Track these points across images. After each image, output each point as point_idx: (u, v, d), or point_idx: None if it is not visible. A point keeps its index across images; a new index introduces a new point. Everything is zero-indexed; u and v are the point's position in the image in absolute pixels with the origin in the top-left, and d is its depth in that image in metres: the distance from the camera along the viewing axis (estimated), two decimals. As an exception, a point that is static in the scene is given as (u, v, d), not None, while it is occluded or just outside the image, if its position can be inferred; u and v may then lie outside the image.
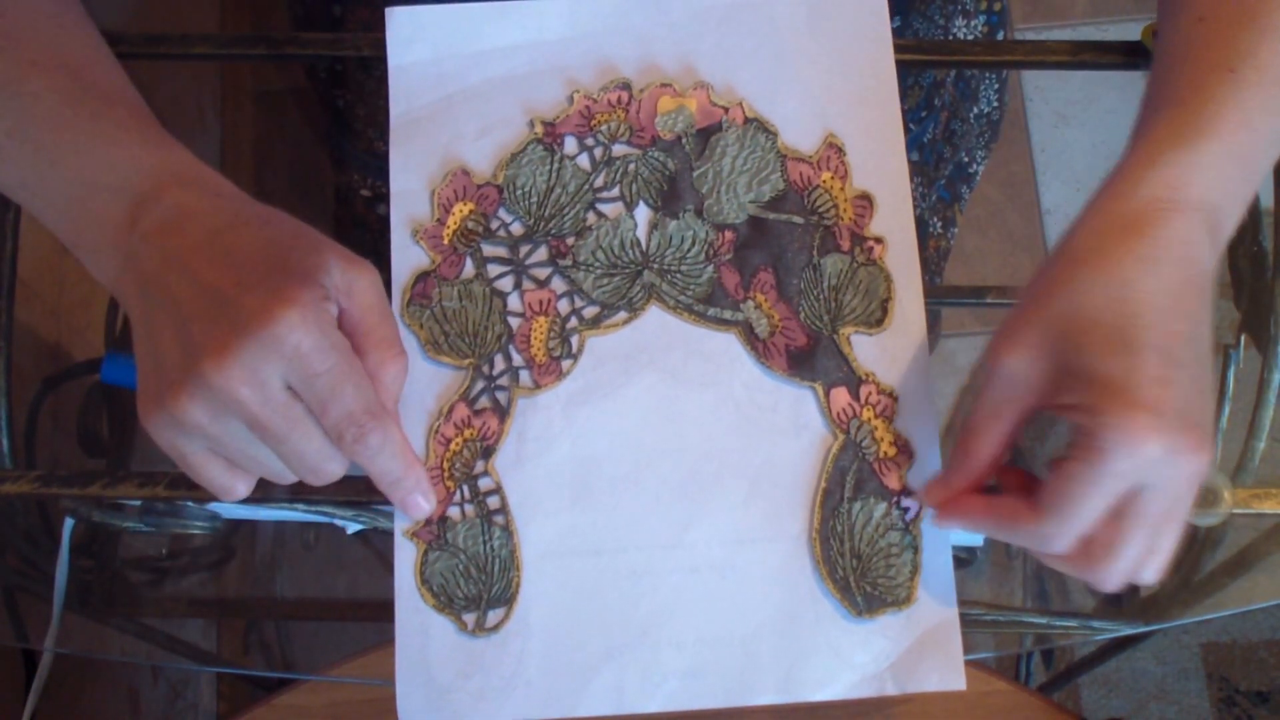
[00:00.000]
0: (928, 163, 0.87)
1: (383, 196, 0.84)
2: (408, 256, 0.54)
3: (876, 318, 0.54)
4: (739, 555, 0.51)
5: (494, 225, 0.55)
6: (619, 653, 0.50)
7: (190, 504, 0.59)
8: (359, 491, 0.52)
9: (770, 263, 0.54)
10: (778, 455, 0.52)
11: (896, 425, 0.52)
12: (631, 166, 0.55)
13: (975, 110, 0.90)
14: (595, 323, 0.53)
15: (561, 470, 0.52)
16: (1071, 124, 1.66)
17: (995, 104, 0.91)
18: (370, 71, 0.78)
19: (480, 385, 0.53)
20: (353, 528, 0.57)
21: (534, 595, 0.51)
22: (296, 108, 1.55)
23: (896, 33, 0.57)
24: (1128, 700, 1.43)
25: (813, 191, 0.55)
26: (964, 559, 0.56)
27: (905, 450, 0.52)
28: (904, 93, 0.57)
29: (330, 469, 0.47)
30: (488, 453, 0.52)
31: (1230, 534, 0.66)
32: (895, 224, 0.55)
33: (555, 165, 0.55)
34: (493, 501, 0.51)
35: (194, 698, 1.32)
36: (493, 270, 0.54)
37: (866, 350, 0.53)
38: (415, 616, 0.50)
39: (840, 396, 0.52)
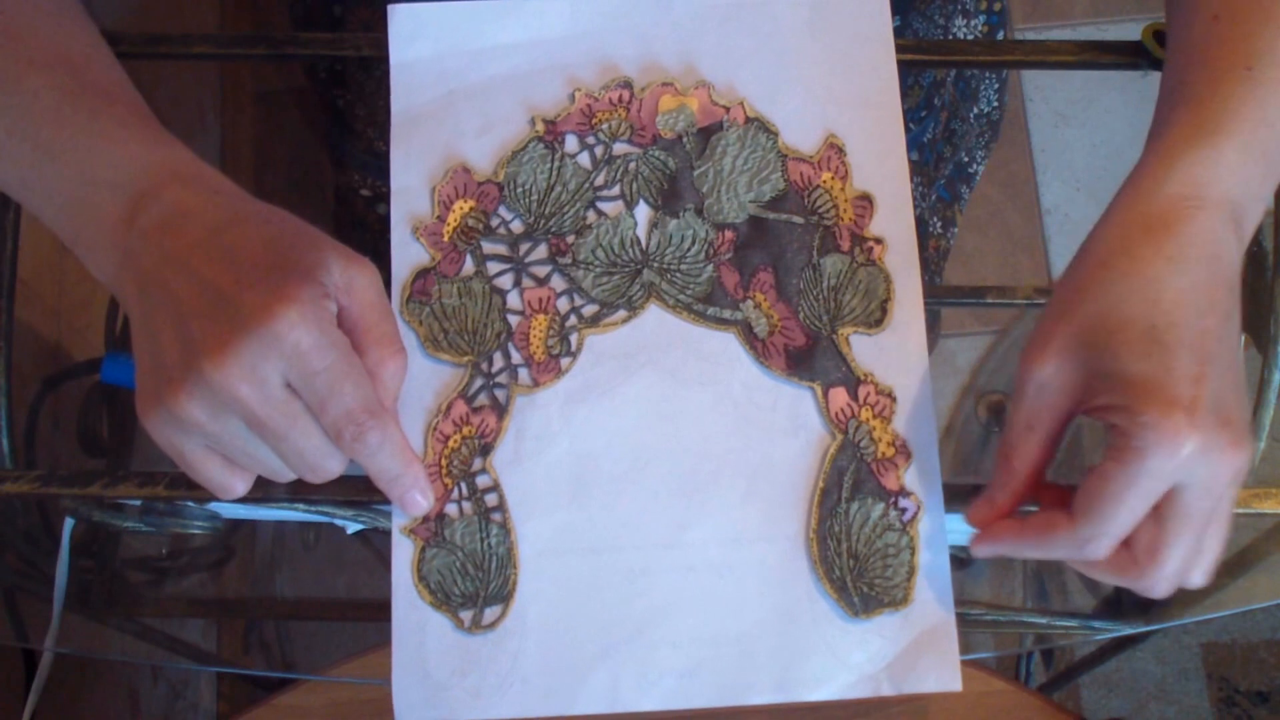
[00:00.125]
0: (928, 163, 0.87)
1: (383, 196, 0.84)
2: (407, 253, 0.54)
3: (876, 318, 0.54)
4: (736, 554, 0.51)
5: (494, 223, 0.55)
6: (615, 651, 0.50)
7: (190, 504, 0.59)
8: (359, 491, 0.52)
9: (770, 262, 0.54)
10: (776, 455, 0.52)
11: (895, 426, 0.52)
12: (632, 165, 0.55)
13: (975, 110, 0.90)
14: (594, 321, 0.53)
15: (559, 468, 0.52)
16: (1071, 124, 1.66)
17: (995, 104, 0.91)
18: (370, 71, 0.78)
19: (479, 383, 0.53)
20: (353, 527, 0.57)
21: (531, 593, 0.51)
22: (296, 108, 1.55)
23: (896, 32, 0.57)
24: (1128, 700, 1.43)
25: (813, 191, 0.55)
26: (964, 559, 0.56)
27: (903, 451, 0.52)
28: (904, 92, 0.57)
29: (329, 467, 0.47)
30: (486, 450, 0.52)
31: (1230, 534, 0.66)
32: (895, 224, 0.55)
33: (556, 163, 0.55)
34: (490, 499, 0.51)
35: (194, 698, 1.32)
36: (492, 268, 0.54)
37: (865, 350, 0.53)
38: (412, 613, 0.50)
39: (839, 396, 0.52)
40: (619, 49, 0.57)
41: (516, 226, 0.55)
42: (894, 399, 0.52)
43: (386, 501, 0.51)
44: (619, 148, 0.56)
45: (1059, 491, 0.48)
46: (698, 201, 0.55)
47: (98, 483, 0.53)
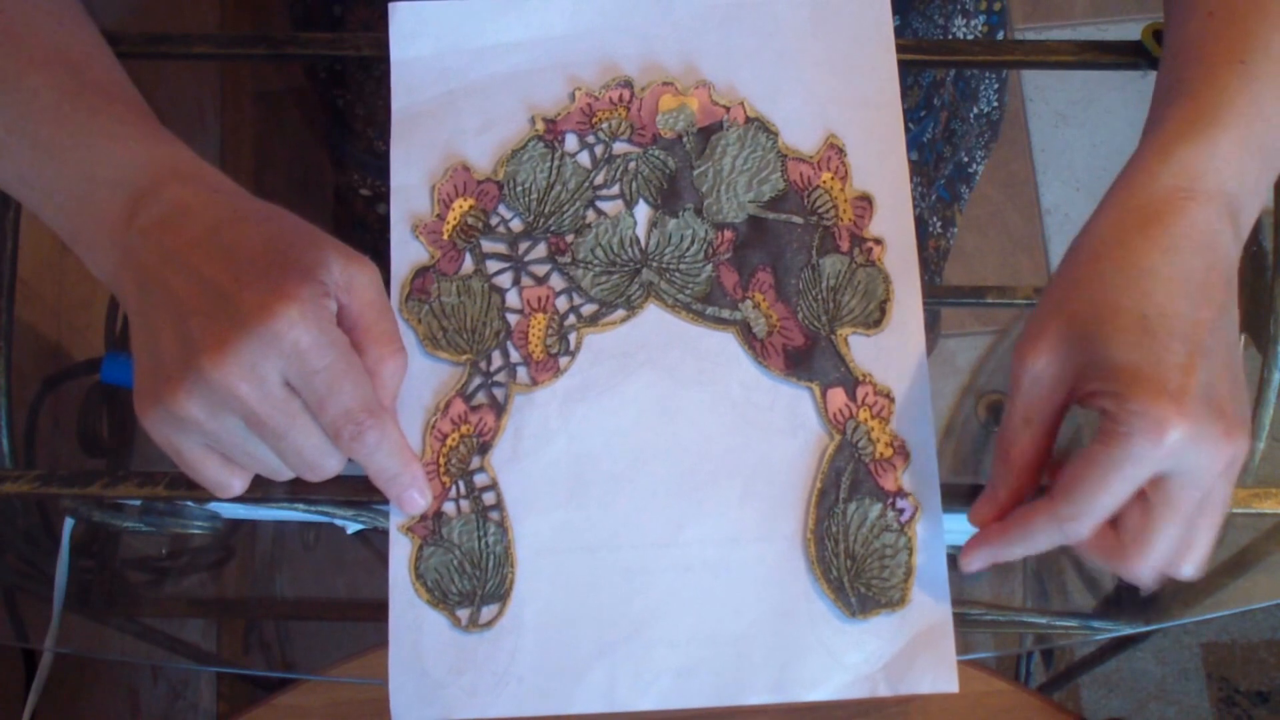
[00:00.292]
0: (927, 162, 0.87)
1: (382, 196, 0.84)
2: (407, 251, 0.54)
3: (874, 319, 0.54)
4: (733, 554, 0.51)
5: (494, 221, 0.55)
6: (612, 650, 0.50)
7: (190, 504, 0.59)
8: (358, 491, 0.52)
9: (769, 262, 0.54)
10: (773, 455, 0.52)
11: (893, 426, 0.52)
12: (632, 164, 0.55)
13: (975, 110, 0.90)
14: (593, 320, 0.53)
15: (557, 467, 0.52)
16: (1071, 124, 1.66)
17: (995, 104, 0.91)
18: (370, 71, 0.78)
19: (477, 381, 0.53)
20: (353, 527, 0.57)
21: (528, 592, 0.51)
22: (296, 108, 1.55)
23: (896, 32, 0.57)
24: (1128, 700, 1.43)
25: (813, 192, 0.55)
26: (963, 559, 0.56)
27: (901, 452, 0.52)
28: (904, 92, 0.57)
29: (328, 465, 0.47)
30: (484, 449, 0.52)
31: (1230, 534, 0.66)
32: (894, 225, 0.55)
33: (556, 162, 0.55)
34: (488, 498, 0.51)
35: (194, 698, 1.32)
36: (492, 266, 0.54)
37: (864, 351, 0.53)
38: (409, 611, 0.50)
39: (837, 397, 0.52)
40: (620, 48, 0.57)
41: (516, 225, 0.55)
42: (892, 400, 0.52)
43: (386, 501, 0.51)
44: (619, 147, 0.56)
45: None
46: (697, 201, 0.55)
47: (98, 483, 0.53)
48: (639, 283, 0.54)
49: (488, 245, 0.54)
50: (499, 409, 0.52)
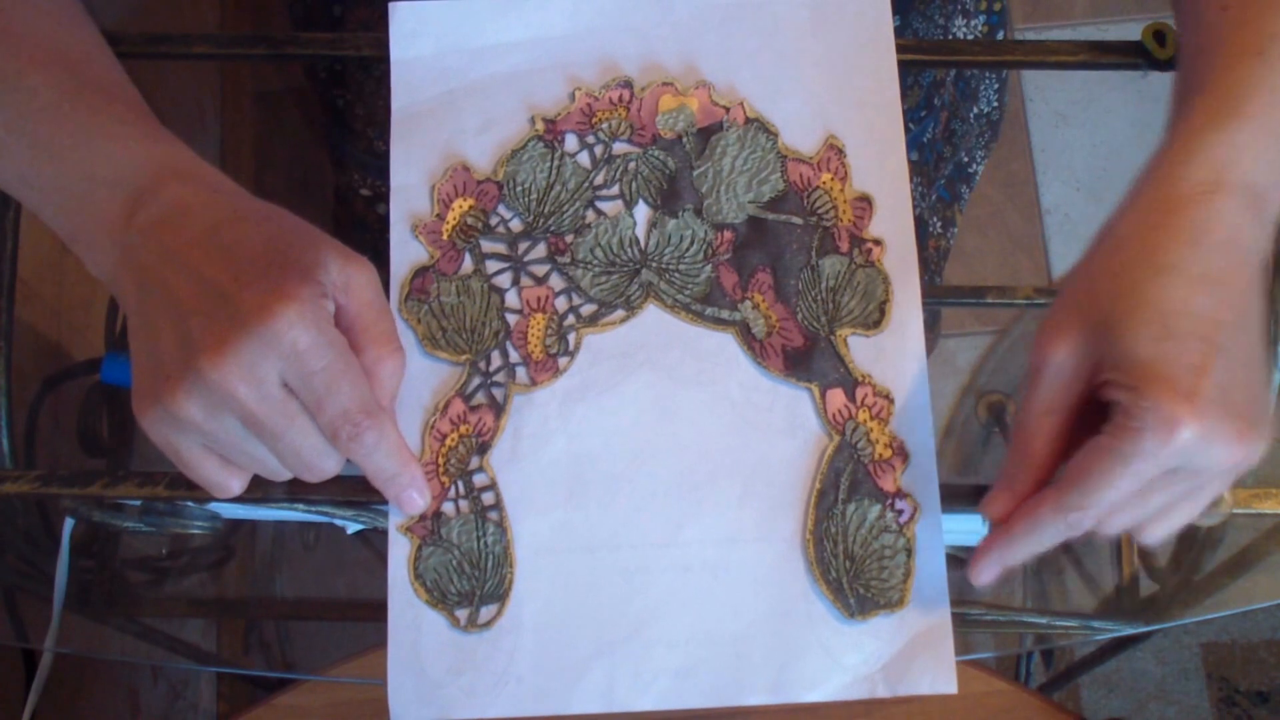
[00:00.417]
0: (927, 162, 0.87)
1: (382, 196, 0.84)
2: (407, 251, 0.54)
3: (874, 319, 0.54)
4: (732, 555, 0.51)
5: (493, 221, 0.55)
6: (610, 650, 0.50)
7: (190, 504, 0.59)
8: (358, 491, 0.52)
9: (769, 263, 0.54)
10: (773, 455, 0.52)
11: (892, 427, 0.52)
12: (632, 165, 0.55)
13: (975, 110, 0.90)
14: (593, 320, 0.53)
15: (556, 467, 0.52)
16: (1071, 124, 1.66)
17: (995, 104, 0.91)
18: (370, 71, 0.78)
19: (477, 381, 0.53)
20: (353, 528, 0.57)
21: (527, 592, 0.51)
22: (296, 108, 1.55)
23: (896, 32, 0.57)
24: (1128, 700, 1.43)
25: (812, 192, 0.55)
26: (963, 560, 0.56)
27: (900, 453, 0.52)
28: (904, 92, 0.57)
29: (326, 466, 0.47)
30: (483, 449, 0.52)
31: (1230, 534, 0.66)
32: (894, 226, 0.55)
33: (555, 162, 0.56)
34: (487, 498, 0.51)
35: (194, 698, 1.32)
36: (491, 266, 0.54)
37: (863, 352, 0.53)
38: (408, 611, 0.50)
39: (836, 398, 0.52)
40: (620, 48, 0.57)
41: (515, 225, 0.55)
42: (891, 400, 0.52)
43: (385, 501, 0.51)
44: (619, 147, 0.56)
45: None
46: (697, 201, 0.55)
47: (98, 483, 0.53)
48: (638, 283, 0.54)
49: (487, 245, 0.54)
50: (498, 409, 0.52)
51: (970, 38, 0.82)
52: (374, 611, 0.53)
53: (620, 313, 0.54)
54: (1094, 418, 0.45)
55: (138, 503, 0.59)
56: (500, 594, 0.50)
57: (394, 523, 0.51)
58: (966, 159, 0.93)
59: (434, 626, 0.50)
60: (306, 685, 0.69)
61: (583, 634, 0.50)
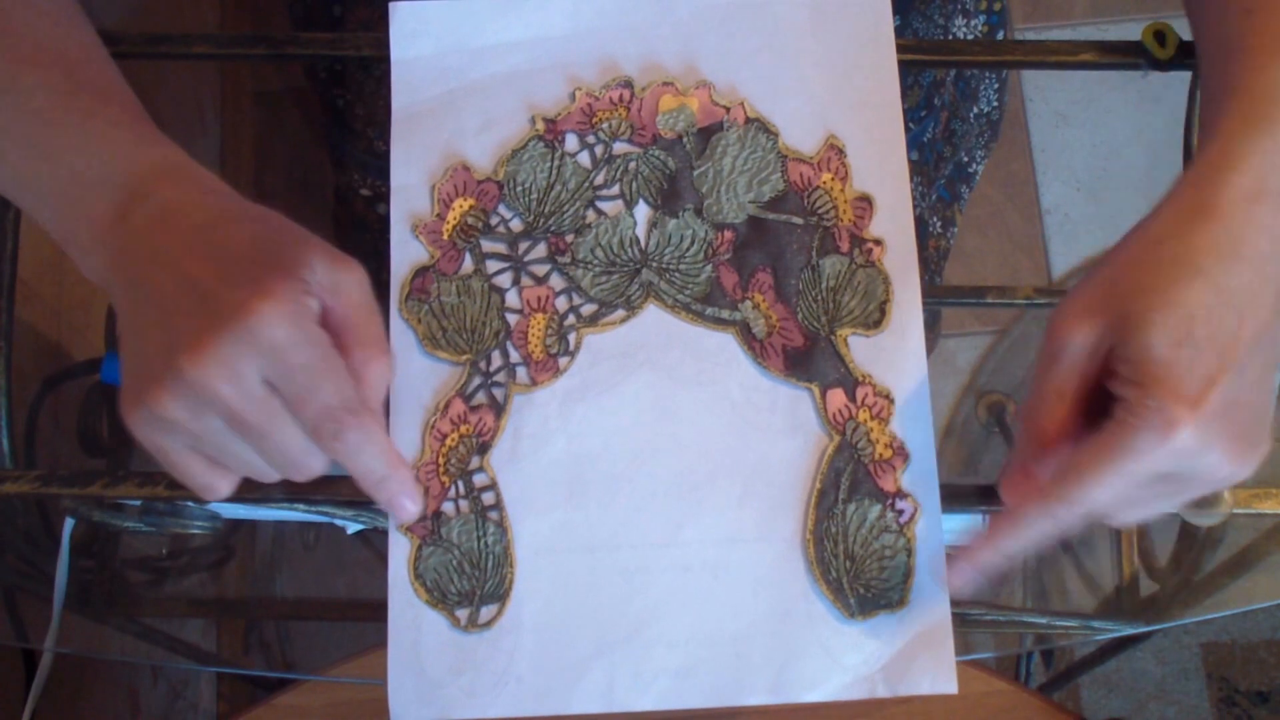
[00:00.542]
0: (927, 162, 0.87)
1: (383, 196, 0.84)
2: (407, 251, 0.54)
3: (874, 319, 0.54)
4: (732, 555, 0.51)
5: (493, 221, 0.55)
6: (610, 650, 0.50)
7: (190, 504, 0.59)
8: (358, 491, 0.52)
9: (769, 263, 0.54)
10: (773, 455, 0.52)
11: (892, 427, 0.52)
12: (632, 164, 0.55)
13: (975, 110, 0.90)
14: (593, 320, 0.53)
15: (556, 467, 0.52)
16: (1071, 124, 1.66)
17: (995, 104, 0.91)
18: (370, 71, 0.78)
19: (477, 381, 0.53)
20: (353, 528, 0.57)
21: (527, 592, 0.51)
22: (296, 108, 1.55)
23: (896, 32, 0.57)
24: (1128, 700, 1.43)
25: (813, 192, 0.55)
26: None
27: (900, 453, 0.52)
28: (904, 92, 0.57)
29: (312, 465, 0.46)
30: (483, 449, 0.52)
31: (1230, 534, 0.66)
32: (894, 226, 0.55)
33: (556, 162, 0.56)
34: (487, 498, 0.51)
35: (194, 698, 1.32)
36: (491, 266, 0.54)
37: (864, 352, 0.53)
38: (408, 611, 0.50)
39: (836, 398, 0.52)
40: (620, 48, 0.57)
41: (516, 225, 0.55)
42: (892, 400, 0.52)
43: (385, 501, 0.50)
44: (619, 147, 0.56)
45: None
46: (697, 201, 0.55)
47: (98, 483, 0.53)
48: (639, 283, 0.54)
49: (487, 245, 0.54)
50: (498, 409, 0.52)
51: (970, 38, 0.82)
52: (374, 611, 0.53)
53: (620, 313, 0.54)
54: (1095, 418, 0.45)
55: (138, 503, 0.59)
56: (500, 594, 0.50)
57: (394, 523, 0.51)
58: (966, 159, 0.93)
59: (434, 626, 0.50)
60: (306, 685, 0.69)
61: (583, 634, 0.50)
